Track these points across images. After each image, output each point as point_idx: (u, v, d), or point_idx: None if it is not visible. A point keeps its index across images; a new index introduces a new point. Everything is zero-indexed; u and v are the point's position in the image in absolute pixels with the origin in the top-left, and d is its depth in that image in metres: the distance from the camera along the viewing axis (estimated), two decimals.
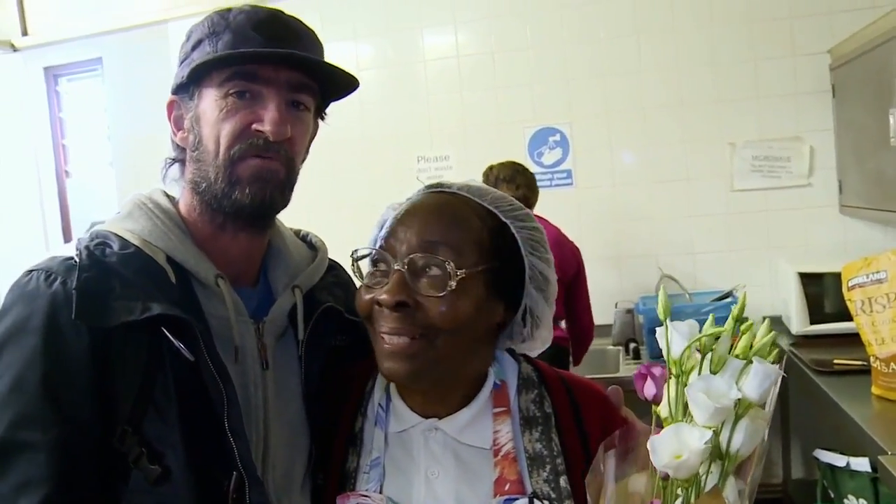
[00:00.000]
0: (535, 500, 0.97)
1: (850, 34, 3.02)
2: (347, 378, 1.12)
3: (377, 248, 1.00)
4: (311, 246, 1.23)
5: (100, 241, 1.00)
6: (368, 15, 3.95)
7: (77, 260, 0.96)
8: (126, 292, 0.94)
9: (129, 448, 0.93)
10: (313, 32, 1.06)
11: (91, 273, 0.95)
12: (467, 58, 3.86)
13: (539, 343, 1.11)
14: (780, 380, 0.80)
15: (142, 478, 0.92)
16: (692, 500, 0.79)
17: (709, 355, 0.80)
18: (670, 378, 0.82)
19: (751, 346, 0.80)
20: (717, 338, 0.80)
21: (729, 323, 0.81)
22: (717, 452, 0.78)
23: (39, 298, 0.94)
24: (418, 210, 1.01)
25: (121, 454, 0.93)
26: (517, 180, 3.08)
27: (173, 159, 1.09)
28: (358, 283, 1.02)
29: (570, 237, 3.10)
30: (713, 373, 0.79)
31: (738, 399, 0.77)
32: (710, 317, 0.83)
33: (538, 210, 3.11)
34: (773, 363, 0.79)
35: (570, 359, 3.18)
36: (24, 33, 4.38)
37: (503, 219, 1.04)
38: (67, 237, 4.35)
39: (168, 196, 1.10)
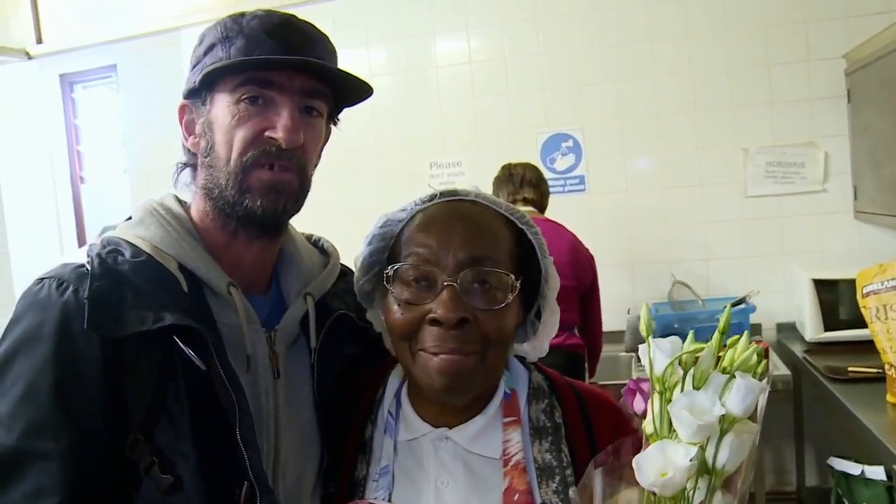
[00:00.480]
0: None
1: (866, 38, 3.00)
2: (358, 386, 1.12)
3: (409, 262, 0.98)
4: (323, 251, 1.22)
5: (111, 249, 1.00)
6: (381, 21, 3.96)
7: (88, 268, 0.96)
8: (138, 301, 0.94)
9: (141, 457, 0.93)
10: (327, 38, 1.06)
11: (103, 282, 0.95)
12: (480, 64, 3.86)
13: (543, 341, 1.11)
14: (766, 394, 0.78)
15: (153, 486, 0.92)
16: None
17: (691, 371, 0.79)
18: (654, 394, 0.81)
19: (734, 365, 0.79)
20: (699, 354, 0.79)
21: (715, 337, 0.80)
22: (703, 467, 0.77)
23: (51, 307, 0.94)
24: (452, 222, 0.99)
25: (132, 463, 0.93)
26: (542, 187, 3.09)
27: (185, 164, 1.09)
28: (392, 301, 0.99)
29: (584, 243, 3.08)
30: (696, 388, 0.78)
31: (723, 414, 0.76)
32: (691, 333, 0.83)
33: (552, 216, 3.11)
34: (760, 374, 0.78)
35: (587, 365, 3.16)
36: (39, 41, 4.42)
37: (519, 225, 1.05)
38: (82, 243, 4.38)
39: (180, 201, 1.10)
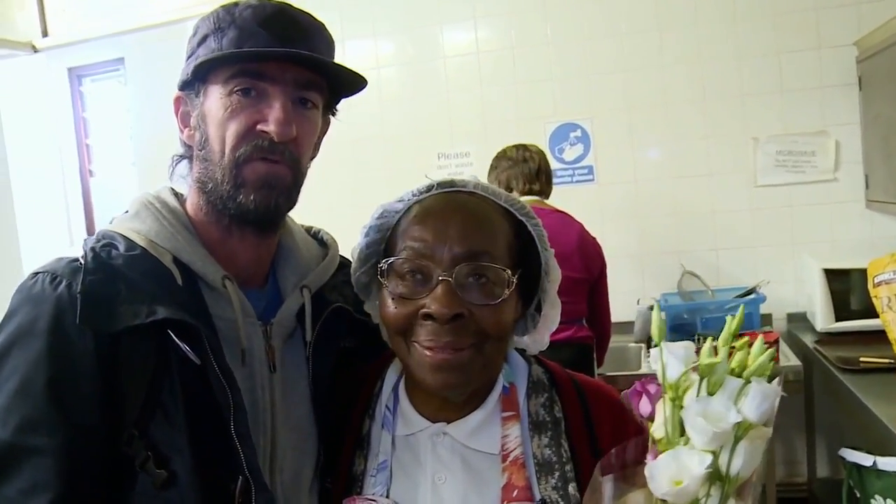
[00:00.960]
0: None
1: (878, 25, 2.96)
2: (356, 380, 1.11)
3: (403, 256, 0.96)
4: (322, 243, 1.21)
5: (106, 243, 0.99)
6: (388, 12, 3.94)
7: (82, 262, 0.96)
8: (131, 295, 0.94)
9: (136, 452, 0.92)
10: (322, 26, 1.04)
11: (96, 276, 0.94)
12: (487, 54, 3.84)
13: (543, 334, 1.09)
14: (779, 398, 0.76)
15: (148, 482, 0.92)
16: None
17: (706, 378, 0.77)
18: (665, 399, 0.79)
19: (745, 366, 0.76)
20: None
21: (726, 336, 0.78)
22: (716, 475, 0.75)
23: (45, 301, 0.93)
24: (448, 214, 0.97)
25: (127, 458, 0.92)
26: (543, 177, 3.03)
27: (181, 156, 1.08)
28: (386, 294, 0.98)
29: (592, 233, 3.07)
30: (710, 394, 0.76)
31: (738, 421, 0.74)
32: (708, 340, 0.79)
33: (560, 206, 3.09)
34: (769, 378, 0.76)
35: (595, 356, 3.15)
36: (45, 34, 4.42)
37: (518, 217, 1.03)
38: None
39: (176, 194, 1.09)
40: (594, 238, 3.00)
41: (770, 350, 0.77)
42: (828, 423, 3.41)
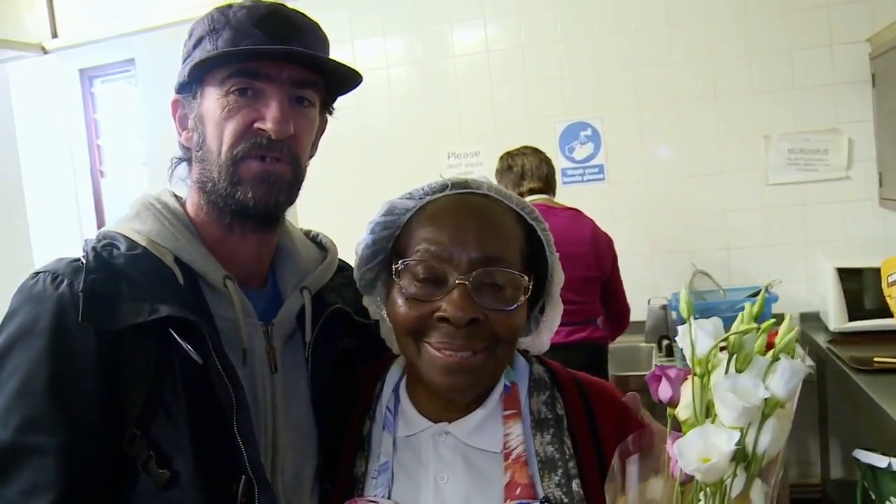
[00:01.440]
0: None
1: (892, 21, 2.94)
2: (356, 381, 1.10)
3: (418, 257, 0.95)
4: (321, 246, 1.21)
5: (107, 242, 0.99)
6: (397, 11, 3.93)
7: (84, 261, 0.96)
8: (133, 294, 0.94)
9: (138, 451, 0.92)
10: (316, 25, 1.04)
11: (98, 275, 0.94)
12: (497, 52, 3.82)
13: (544, 336, 1.09)
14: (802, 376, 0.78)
15: (150, 482, 0.91)
16: None
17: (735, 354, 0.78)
18: (694, 377, 0.80)
19: (769, 345, 0.78)
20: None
21: (748, 317, 0.79)
22: (742, 454, 0.76)
23: (46, 300, 0.93)
24: (465, 217, 0.96)
25: (129, 458, 0.92)
26: (544, 170, 3.00)
27: (180, 158, 1.08)
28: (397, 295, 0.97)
29: (601, 228, 3.03)
30: (738, 371, 0.77)
31: (766, 398, 0.75)
32: (740, 315, 0.81)
33: (570, 205, 3.07)
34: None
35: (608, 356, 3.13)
36: (54, 35, 4.44)
37: (529, 221, 1.02)
38: None
39: (176, 196, 1.09)
40: (606, 233, 2.98)
41: (797, 329, 0.79)
42: (841, 424, 3.38)
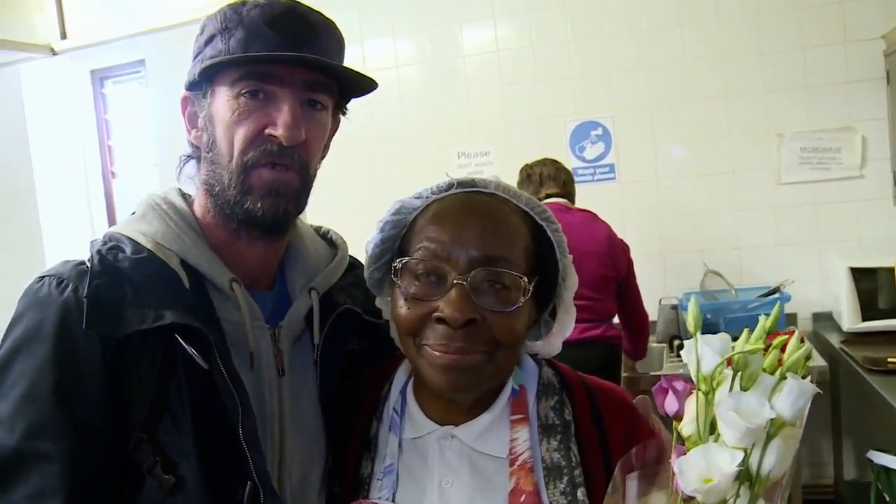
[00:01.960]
0: None
1: None
2: (364, 382, 1.09)
3: (418, 256, 0.94)
4: (332, 243, 1.20)
5: (112, 245, 0.98)
6: (407, 11, 3.93)
7: (89, 265, 0.95)
8: (138, 299, 0.93)
9: (144, 457, 0.91)
10: (332, 25, 1.02)
11: (102, 280, 0.93)
12: (507, 52, 3.81)
13: (557, 340, 1.07)
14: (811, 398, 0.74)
15: (156, 487, 0.91)
16: None
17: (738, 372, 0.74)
18: (697, 394, 0.76)
19: (779, 362, 0.74)
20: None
21: (759, 333, 0.75)
22: (745, 474, 0.73)
23: (51, 305, 0.92)
24: (466, 215, 0.95)
25: (135, 463, 0.91)
26: (562, 177, 3.05)
27: (188, 156, 1.07)
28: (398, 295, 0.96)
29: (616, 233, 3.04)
30: (743, 389, 0.74)
31: (772, 418, 0.71)
32: (745, 331, 0.77)
33: (582, 205, 3.07)
34: (803, 375, 0.74)
35: (623, 355, 3.12)
36: (64, 36, 4.46)
37: (538, 221, 1.00)
38: None
39: (184, 195, 1.08)
40: (622, 240, 2.99)
41: (807, 347, 0.75)
42: (854, 425, 3.35)
